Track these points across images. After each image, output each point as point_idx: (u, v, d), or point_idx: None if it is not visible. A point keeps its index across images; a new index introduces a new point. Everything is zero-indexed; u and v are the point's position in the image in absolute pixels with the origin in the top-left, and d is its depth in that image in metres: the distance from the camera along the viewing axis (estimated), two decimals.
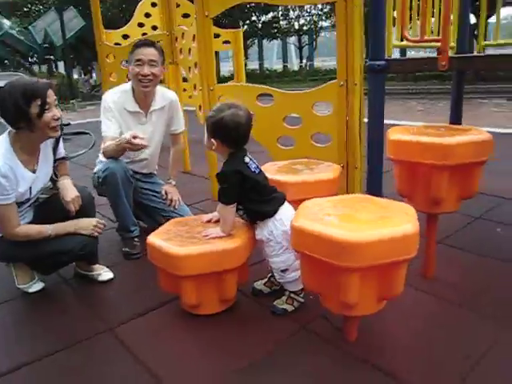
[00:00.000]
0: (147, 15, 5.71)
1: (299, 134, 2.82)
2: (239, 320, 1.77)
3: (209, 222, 1.87)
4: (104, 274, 2.17)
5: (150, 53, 2.35)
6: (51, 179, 2.06)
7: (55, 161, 2.05)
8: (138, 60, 2.34)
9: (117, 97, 2.43)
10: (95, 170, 2.47)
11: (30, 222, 2.02)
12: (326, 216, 1.43)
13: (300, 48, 25.89)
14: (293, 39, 26.70)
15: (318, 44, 25.73)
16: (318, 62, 26.04)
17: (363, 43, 2.50)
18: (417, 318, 1.73)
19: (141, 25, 5.67)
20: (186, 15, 5.66)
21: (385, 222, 1.37)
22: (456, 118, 3.41)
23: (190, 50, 3.49)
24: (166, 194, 2.65)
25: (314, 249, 1.37)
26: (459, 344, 1.55)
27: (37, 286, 2.10)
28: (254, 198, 1.69)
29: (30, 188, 1.91)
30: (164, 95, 2.56)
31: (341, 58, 2.54)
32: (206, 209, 3.06)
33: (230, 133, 1.65)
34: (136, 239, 2.47)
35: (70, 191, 1.99)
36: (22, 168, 1.84)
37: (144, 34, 5.60)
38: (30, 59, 20.19)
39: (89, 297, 2.05)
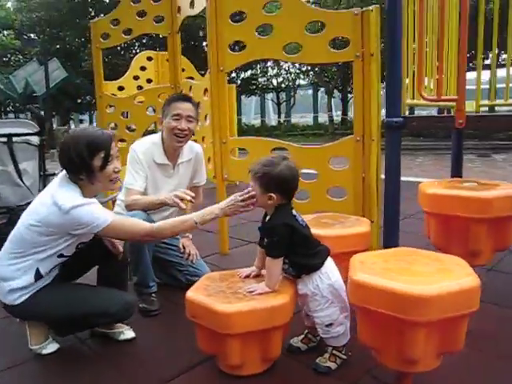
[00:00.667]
0: (143, 68, 5.88)
1: (314, 188, 2.84)
2: (282, 380, 1.68)
3: (247, 276, 1.82)
4: (126, 332, 2.03)
5: (187, 108, 2.36)
6: None
7: None
8: (177, 115, 2.34)
9: (145, 148, 2.41)
10: None
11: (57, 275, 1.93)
12: (385, 270, 1.41)
13: (278, 104, 26.83)
14: (271, 95, 27.70)
15: (295, 101, 26.71)
16: (296, 118, 26.93)
17: (380, 100, 2.60)
18: (460, 372, 1.68)
19: (136, 77, 5.82)
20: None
21: (446, 275, 1.36)
22: (457, 173, 3.52)
23: (198, 103, 3.55)
24: (184, 247, 2.59)
25: (377, 303, 1.34)
26: None
27: (52, 347, 1.94)
28: (300, 252, 1.66)
29: None
30: (191, 147, 2.57)
31: (358, 114, 2.62)
32: (216, 263, 3.00)
33: (290, 185, 1.66)
34: (153, 295, 2.36)
35: None
36: None
37: (139, 86, 5.74)
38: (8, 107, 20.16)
39: (112, 357, 1.91)
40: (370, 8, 2.48)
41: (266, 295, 1.61)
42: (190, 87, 3.72)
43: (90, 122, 27.75)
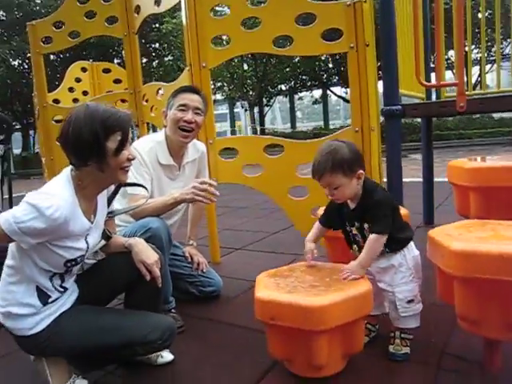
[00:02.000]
0: (78, 80, 5.44)
1: (313, 182, 2.76)
2: (362, 376, 1.55)
3: (312, 267, 1.68)
4: (165, 355, 1.75)
5: (196, 99, 2.14)
6: (105, 236, 1.66)
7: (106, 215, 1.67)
8: (183, 105, 2.11)
9: (149, 147, 2.14)
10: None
11: (78, 298, 1.60)
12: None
13: None
14: None
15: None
16: None
17: (377, 89, 2.62)
18: None
19: (71, 89, 5.36)
20: (117, 81, 5.54)
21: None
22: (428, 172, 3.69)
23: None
24: (191, 256, 2.36)
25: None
26: None
27: None
28: (399, 225, 1.61)
29: (87, 239, 1.50)
30: (196, 146, 2.35)
31: (355, 106, 2.61)
32: None
33: (360, 152, 1.62)
34: (173, 311, 2.10)
35: (149, 251, 1.62)
36: (82, 217, 1.45)
37: (75, 99, 5.29)
38: None
39: None
40: None
41: (348, 283, 1.49)
42: (158, 90, 3.46)
43: (25, 142, 23.53)
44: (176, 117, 2.11)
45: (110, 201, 1.66)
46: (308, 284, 1.51)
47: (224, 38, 11.52)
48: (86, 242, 1.50)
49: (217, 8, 9.21)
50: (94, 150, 1.39)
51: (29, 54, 18.99)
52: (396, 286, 1.62)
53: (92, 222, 1.51)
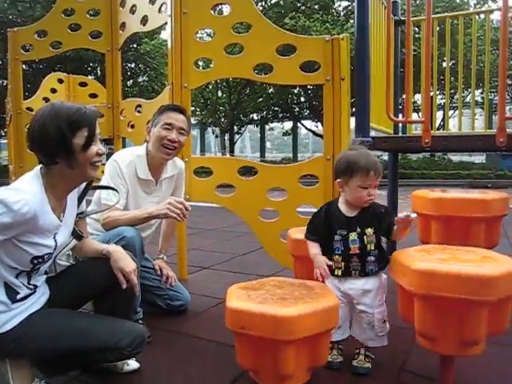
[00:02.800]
0: (53, 91, 5.41)
1: (284, 206, 2.86)
2: None
3: (281, 282, 1.74)
4: (131, 363, 1.75)
5: (181, 119, 2.21)
6: (76, 235, 1.66)
7: (76, 215, 1.66)
8: (168, 124, 2.17)
9: (129, 161, 2.18)
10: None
11: (49, 301, 1.59)
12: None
13: None
14: None
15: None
16: None
17: (350, 120, 2.77)
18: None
19: (46, 99, 5.32)
20: (93, 95, 5.56)
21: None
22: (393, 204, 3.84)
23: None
24: (161, 269, 2.37)
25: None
26: None
27: None
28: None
29: (55, 238, 1.49)
30: (175, 163, 2.40)
31: (327, 135, 2.75)
32: None
33: None
34: (141, 321, 2.09)
35: (127, 259, 1.62)
36: (51, 214, 1.45)
37: None
38: None
39: None
40: (341, 36, 2.69)
41: (316, 297, 1.55)
42: (138, 106, 3.50)
43: None
44: (160, 135, 2.17)
45: (79, 200, 1.66)
46: (278, 296, 1.57)
47: (200, 63, 11.74)
48: (55, 240, 1.50)
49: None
50: (61, 146, 1.41)
51: None
52: (375, 308, 1.70)
53: (61, 221, 1.52)
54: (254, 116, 24.85)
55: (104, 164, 1.91)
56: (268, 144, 47.50)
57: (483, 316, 1.40)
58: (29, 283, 1.51)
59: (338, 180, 1.75)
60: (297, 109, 23.19)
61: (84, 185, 1.65)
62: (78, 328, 1.53)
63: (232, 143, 23.66)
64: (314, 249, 1.77)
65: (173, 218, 1.98)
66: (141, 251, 1.98)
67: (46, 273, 1.61)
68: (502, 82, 2.12)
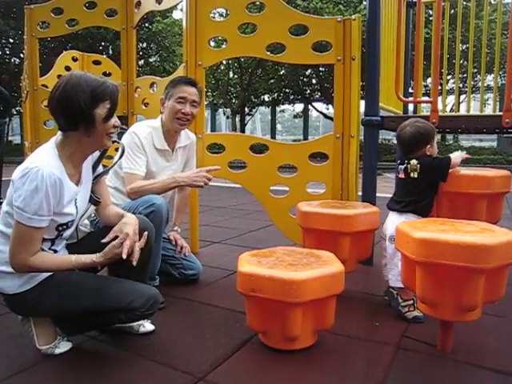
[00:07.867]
0: (67, 68, 5.49)
1: (294, 182, 2.95)
2: (330, 354, 1.71)
3: (291, 250, 1.84)
4: (147, 325, 1.87)
5: (193, 92, 2.31)
6: (93, 201, 1.76)
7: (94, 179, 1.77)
8: (182, 97, 2.27)
9: (146, 132, 2.29)
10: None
11: None
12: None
13: None
14: None
15: None
16: None
17: (359, 99, 2.82)
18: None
19: (60, 77, 5.41)
20: (107, 74, 5.61)
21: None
22: None
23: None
24: (176, 240, 2.48)
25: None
26: None
27: (64, 346, 1.70)
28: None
29: (76, 204, 1.61)
30: (187, 133, 2.52)
31: (338, 113, 2.81)
32: None
33: None
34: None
35: (131, 228, 1.62)
36: (69, 181, 1.56)
37: None
38: None
39: (139, 350, 1.74)
40: (353, 17, 2.73)
41: (323, 264, 1.65)
42: (152, 83, 3.58)
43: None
44: (175, 108, 2.28)
45: (94, 168, 1.75)
46: (287, 263, 1.68)
47: (212, 44, 11.67)
48: (76, 207, 1.61)
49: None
50: (85, 114, 1.50)
51: (10, 39, 18.73)
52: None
53: (79, 187, 1.62)
54: (266, 97, 24.72)
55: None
56: (278, 126, 47.21)
57: (480, 283, 1.49)
58: (50, 248, 1.63)
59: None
60: (308, 91, 22.98)
61: (98, 153, 1.75)
62: (92, 288, 1.64)
63: (243, 125, 23.63)
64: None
65: (199, 186, 2.17)
66: (166, 219, 2.10)
67: (66, 239, 1.72)
68: (510, 64, 2.16)
